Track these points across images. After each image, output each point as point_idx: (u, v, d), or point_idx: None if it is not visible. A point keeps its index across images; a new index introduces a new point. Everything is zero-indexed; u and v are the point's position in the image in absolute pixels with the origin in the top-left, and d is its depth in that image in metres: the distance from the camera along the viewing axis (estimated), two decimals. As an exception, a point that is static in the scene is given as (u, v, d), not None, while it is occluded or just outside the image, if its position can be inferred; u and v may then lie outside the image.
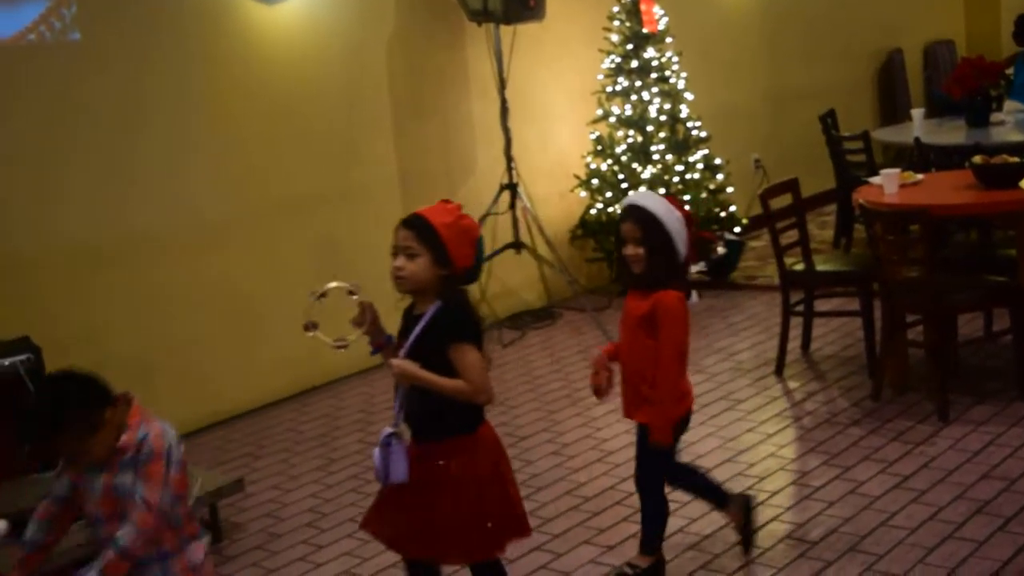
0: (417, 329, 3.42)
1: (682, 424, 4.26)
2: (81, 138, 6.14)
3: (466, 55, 8.16)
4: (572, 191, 8.85)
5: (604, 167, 8.78)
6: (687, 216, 4.07)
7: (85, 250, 6.10)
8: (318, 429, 6.63)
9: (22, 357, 5.13)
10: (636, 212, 4.01)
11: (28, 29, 5.99)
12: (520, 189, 7.93)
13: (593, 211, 8.75)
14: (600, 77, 8.87)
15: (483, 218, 7.80)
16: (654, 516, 4.32)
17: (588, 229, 8.86)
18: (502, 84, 7.89)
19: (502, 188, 7.95)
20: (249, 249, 6.96)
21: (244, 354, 6.83)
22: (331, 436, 6.50)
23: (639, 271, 4.02)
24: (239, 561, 4.99)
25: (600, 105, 8.87)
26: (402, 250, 3.41)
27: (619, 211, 4.23)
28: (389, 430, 3.47)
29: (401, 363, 3.38)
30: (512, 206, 7.99)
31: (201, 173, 6.72)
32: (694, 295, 4.25)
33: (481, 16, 7.65)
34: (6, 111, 5.87)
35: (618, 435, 5.93)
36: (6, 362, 5.02)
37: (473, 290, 7.90)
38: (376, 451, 3.48)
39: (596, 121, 8.87)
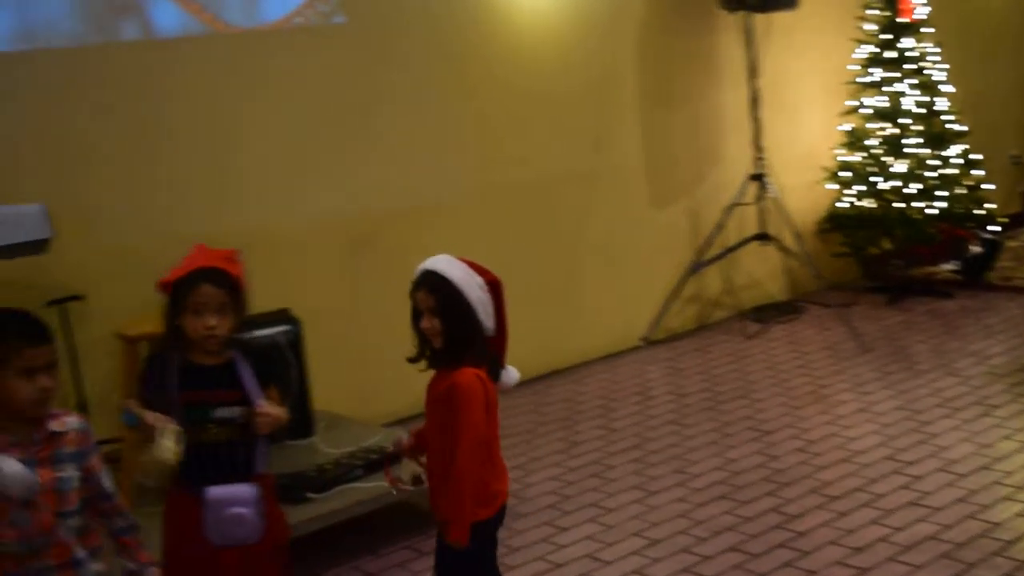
0: None
1: (491, 525, 3.59)
2: (332, 118, 6.37)
3: (716, 43, 8.09)
4: (820, 183, 8.68)
5: (855, 159, 8.56)
6: (494, 281, 3.50)
7: (337, 227, 6.29)
8: (559, 413, 6.70)
9: (283, 328, 5.36)
10: (430, 279, 3.39)
11: (296, 12, 6.22)
12: (768, 179, 7.80)
13: (842, 204, 8.55)
14: (853, 67, 8.65)
15: (729, 208, 7.76)
16: None
17: (836, 223, 8.68)
18: (753, 73, 7.79)
19: (749, 178, 7.84)
20: (495, 228, 7.08)
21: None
22: (572, 420, 6.56)
23: (438, 346, 3.43)
24: (484, 538, 5.07)
25: (852, 96, 8.66)
26: None
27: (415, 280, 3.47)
28: (251, 488, 3.45)
29: None
30: (759, 197, 7.86)
31: (454, 151, 6.89)
32: (512, 373, 3.64)
33: (734, 4, 7.59)
34: (270, 92, 6.13)
35: (865, 435, 5.81)
36: (268, 332, 5.22)
37: (716, 280, 8.03)
38: (240, 511, 3.41)
39: (848, 112, 8.66)
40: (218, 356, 3.46)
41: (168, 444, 3.18)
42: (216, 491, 3.37)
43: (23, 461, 2.98)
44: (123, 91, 5.65)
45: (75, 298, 5.13)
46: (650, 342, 7.92)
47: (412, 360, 3.50)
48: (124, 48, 5.72)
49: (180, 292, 3.40)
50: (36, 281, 5.01)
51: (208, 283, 3.37)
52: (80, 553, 3.11)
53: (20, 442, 3.02)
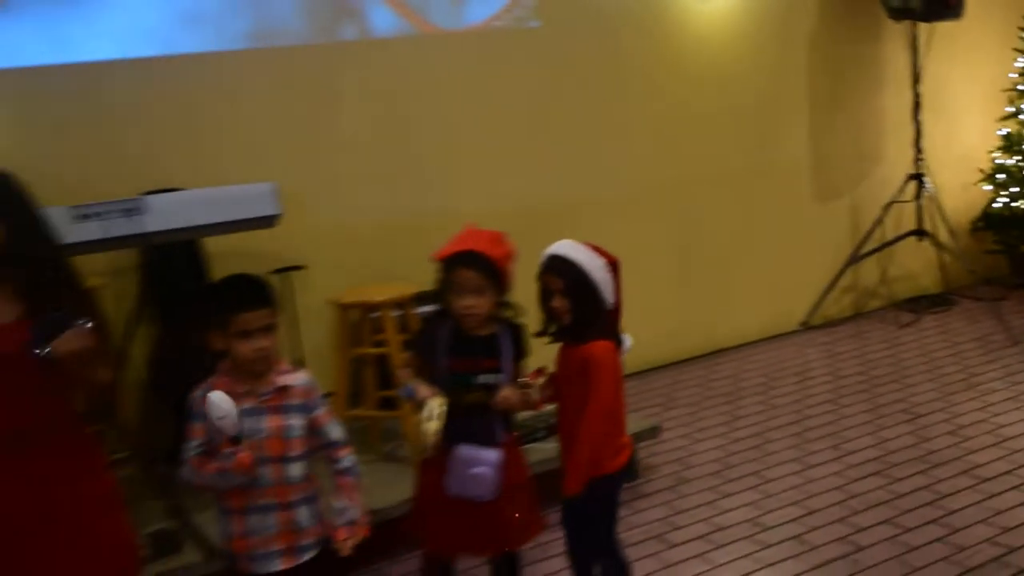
0: None
1: (619, 479, 3.69)
2: (525, 113, 6.46)
3: (881, 51, 7.92)
4: (975, 184, 8.44)
5: (1011, 163, 8.30)
6: (613, 261, 3.54)
7: (529, 212, 6.33)
8: (724, 388, 6.68)
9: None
10: (557, 263, 3.48)
11: (495, 16, 6.31)
12: (926, 179, 7.62)
13: (997, 204, 8.31)
14: (1013, 76, 8.39)
15: (888, 205, 7.63)
16: (618, 571, 3.79)
17: (990, 222, 8.45)
18: (916, 78, 7.61)
19: (908, 178, 7.67)
20: (670, 218, 7.12)
21: (660, 316, 6.92)
22: (736, 395, 6.53)
23: (566, 322, 3.52)
24: (652, 499, 5.10)
25: (1011, 103, 8.39)
26: None
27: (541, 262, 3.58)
28: (496, 452, 3.45)
29: None
30: (917, 195, 7.69)
31: (634, 147, 6.90)
32: (627, 340, 3.62)
33: (901, 14, 7.42)
34: (470, 89, 6.24)
35: (1015, 422, 5.67)
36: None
37: (873, 271, 7.91)
38: (481, 471, 3.45)
39: (1006, 118, 8.41)
40: (484, 327, 3.49)
41: (433, 423, 3.30)
42: (464, 450, 3.44)
43: (253, 409, 3.11)
44: (342, 85, 5.83)
45: (297, 268, 5.30)
46: (808, 327, 7.83)
47: (538, 335, 3.57)
48: (344, 47, 5.88)
49: (445, 272, 3.47)
50: (266, 252, 5.20)
51: (465, 267, 3.40)
52: (298, 496, 3.19)
53: (251, 392, 3.13)
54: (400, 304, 5.05)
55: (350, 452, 3.30)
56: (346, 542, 3.25)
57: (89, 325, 2.83)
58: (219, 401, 3.03)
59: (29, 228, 3.00)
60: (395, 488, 4.65)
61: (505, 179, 6.31)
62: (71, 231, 4.01)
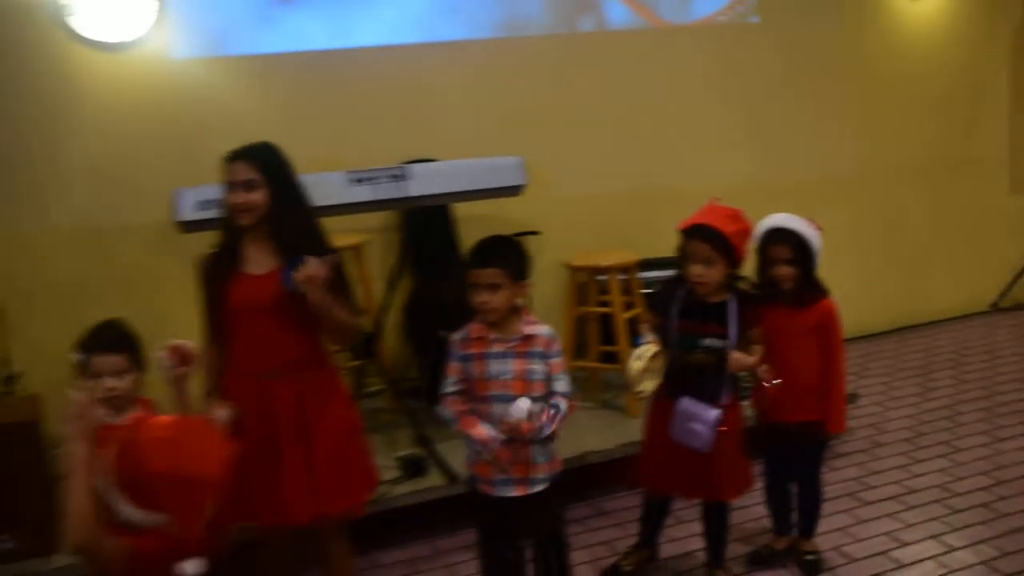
0: None
1: None
2: (743, 101, 6.34)
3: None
4: None
5: None
6: (819, 229, 3.66)
7: (749, 191, 6.21)
8: (916, 361, 6.45)
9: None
10: (785, 235, 3.60)
11: (720, 12, 6.23)
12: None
13: None
14: None
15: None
16: (819, 502, 3.97)
17: None
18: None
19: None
20: (876, 200, 6.93)
21: (857, 291, 6.72)
22: (927, 368, 6.30)
23: (789, 287, 3.62)
24: (848, 459, 4.98)
25: None
26: None
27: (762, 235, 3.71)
28: (716, 412, 3.42)
29: None
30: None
31: (847, 134, 6.74)
32: None
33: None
34: (696, 78, 6.17)
35: None
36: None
37: None
38: (697, 427, 3.43)
39: None
40: (715, 295, 3.47)
41: (638, 363, 3.36)
42: (686, 403, 3.46)
43: (502, 352, 3.14)
44: (579, 72, 5.86)
45: (534, 233, 5.35)
46: (998, 309, 7.49)
47: (758, 301, 3.57)
48: (583, 38, 5.90)
49: (683, 241, 3.47)
50: (508, 217, 5.27)
51: (699, 239, 3.40)
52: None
53: (501, 338, 3.16)
54: (624, 269, 5.05)
55: (566, 403, 3.24)
56: (541, 476, 3.22)
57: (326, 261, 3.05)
58: (523, 405, 3.08)
59: (288, 193, 3.18)
60: (611, 432, 4.71)
61: (723, 160, 6.21)
62: (347, 193, 4.17)
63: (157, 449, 2.17)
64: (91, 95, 4.89)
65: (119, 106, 4.93)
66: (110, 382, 2.96)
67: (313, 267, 3.01)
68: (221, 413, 3.08)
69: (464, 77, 5.58)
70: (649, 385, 3.42)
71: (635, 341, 3.53)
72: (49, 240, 4.91)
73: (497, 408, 3.11)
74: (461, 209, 5.33)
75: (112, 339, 3.02)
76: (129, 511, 2.17)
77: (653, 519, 3.91)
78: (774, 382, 3.55)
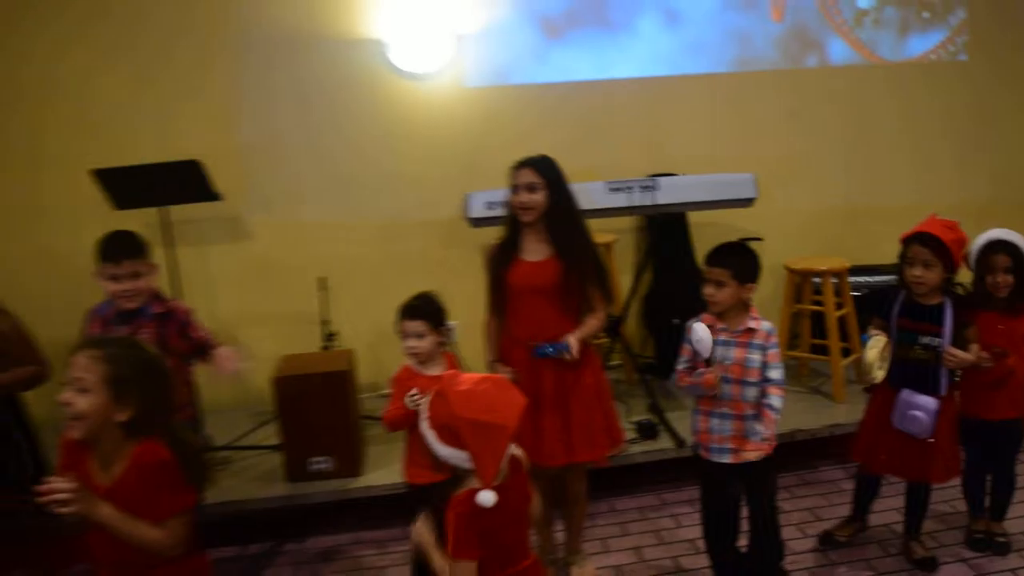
0: None
1: None
2: (952, 130, 6.11)
3: None
4: None
5: None
6: None
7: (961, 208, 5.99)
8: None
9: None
10: (1006, 246, 3.51)
11: (931, 51, 6.03)
12: None
13: None
14: None
15: None
16: (1013, 489, 3.85)
17: None
18: None
19: None
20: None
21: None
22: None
23: (1004, 295, 3.52)
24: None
25: None
26: None
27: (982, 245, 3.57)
28: (935, 402, 3.40)
29: None
30: None
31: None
32: None
33: None
34: (907, 108, 6.00)
35: None
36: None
37: None
38: (919, 414, 3.42)
39: None
40: (931, 298, 3.44)
41: (872, 351, 3.42)
42: (907, 394, 3.47)
43: (727, 341, 3.19)
44: (803, 101, 5.82)
45: (757, 239, 5.37)
46: None
47: (973, 307, 3.51)
48: (808, 72, 5.85)
49: (904, 248, 3.46)
50: (733, 224, 5.34)
51: (919, 244, 3.39)
52: (749, 412, 3.20)
53: (727, 328, 3.21)
54: (837, 274, 5.02)
55: (779, 393, 3.22)
56: (751, 453, 3.22)
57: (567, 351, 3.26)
58: (699, 330, 3.17)
59: (562, 197, 3.37)
60: (817, 415, 4.69)
61: (934, 181, 6.02)
62: (605, 199, 4.36)
63: (466, 399, 2.21)
64: (402, 115, 5.27)
65: (422, 124, 5.29)
66: (412, 342, 3.24)
67: (566, 349, 3.26)
68: (507, 374, 3.34)
69: (703, 105, 5.65)
70: (880, 373, 3.46)
71: (863, 338, 3.55)
72: (363, 230, 5.33)
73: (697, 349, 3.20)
74: (696, 216, 5.42)
75: (415, 308, 3.26)
76: (439, 448, 2.25)
77: (866, 495, 3.89)
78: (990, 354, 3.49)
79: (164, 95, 5.04)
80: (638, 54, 5.53)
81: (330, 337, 4.96)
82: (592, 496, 3.77)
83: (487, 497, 2.20)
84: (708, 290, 3.18)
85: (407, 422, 3.17)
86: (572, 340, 3.29)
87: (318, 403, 4.17)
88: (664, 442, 4.46)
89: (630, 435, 4.43)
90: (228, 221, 5.18)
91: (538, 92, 5.40)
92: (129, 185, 4.29)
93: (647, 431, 4.50)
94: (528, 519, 2.46)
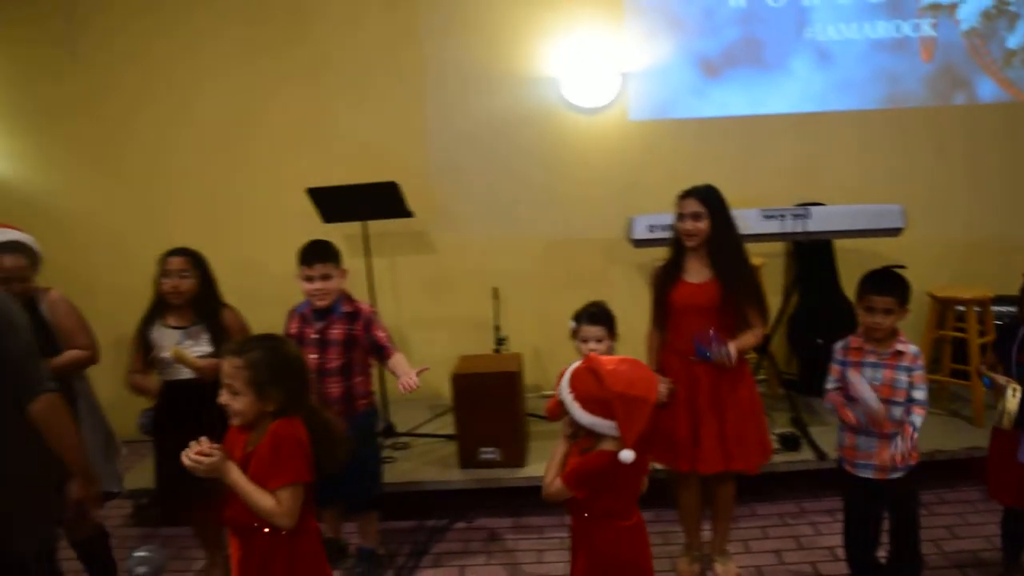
0: None
1: None
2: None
3: None
4: None
5: None
6: None
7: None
8: None
9: None
10: None
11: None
12: None
13: None
14: None
15: None
16: None
17: None
18: None
19: None
20: None
21: None
22: None
23: None
24: None
25: None
26: None
27: None
28: None
29: None
30: None
31: None
32: None
33: None
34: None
35: None
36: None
37: None
38: None
39: None
40: None
41: (1011, 402, 3.08)
42: None
43: (876, 363, 3.04)
44: (950, 137, 5.49)
45: (901, 267, 5.11)
46: None
47: None
48: (956, 110, 5.52)
49: None
50: (877, 252, 5.09)
51: None
52: (894, 430, 3.01)
53: (875, 351, 3.07)
54: (980, 302, 4.72)
55: (921, 412, 3.05)
56: (894, 470, 3.08)
57: (728, 354, 3.16)
58: (862, 390, 2.99)
59: (724, 224, 3.29)
60: (957, 437, 4.43)
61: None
62: (758, 225, 4.24)
63: (615, 376, 2.34)
64: (571, 144, 5.29)
65: (588, 153, 5.29)
66: (592, 345, 3.22)
67: (726, 354, 3.16)
68: (662, 387, 3.24)
69: (853, 139, 5.42)
70: (1009, 421, 3.12)
71: (984, 381, 3.25)
72: (532, 246, 5.38)
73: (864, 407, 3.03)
74: (840, 242, 5.21)
75: (595, 315, 3.27)
76: (583, 417, 2.39)
77: (1016, 540, 3.48)
78: None
79: (362, 122, 5.23)
80: (791, 91, 5.36)
81: (500, 341, 5.00)
82: (736, 500, 3.66)
83: (628, 455, 2.32)
84: (876, 318, 3.04)
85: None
86: (732, 348, 3.20)
87: (490, 399, 4.21)
88: (805, 454, 4.29)
89: (774, 446, 4.28)
90: (415, 235, 5.32)
91: (696, 126, 5.31)
92: (336, 202, 4.44)
93: (790, 443, 4.34)
94: (639, 488, 2.57)
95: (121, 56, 5.31)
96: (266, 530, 2.35)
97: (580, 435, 2.47)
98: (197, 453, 2.27)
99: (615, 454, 2.36)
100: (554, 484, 2.47)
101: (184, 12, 5.28)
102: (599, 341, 3.23)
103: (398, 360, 3.46)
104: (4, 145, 5.46)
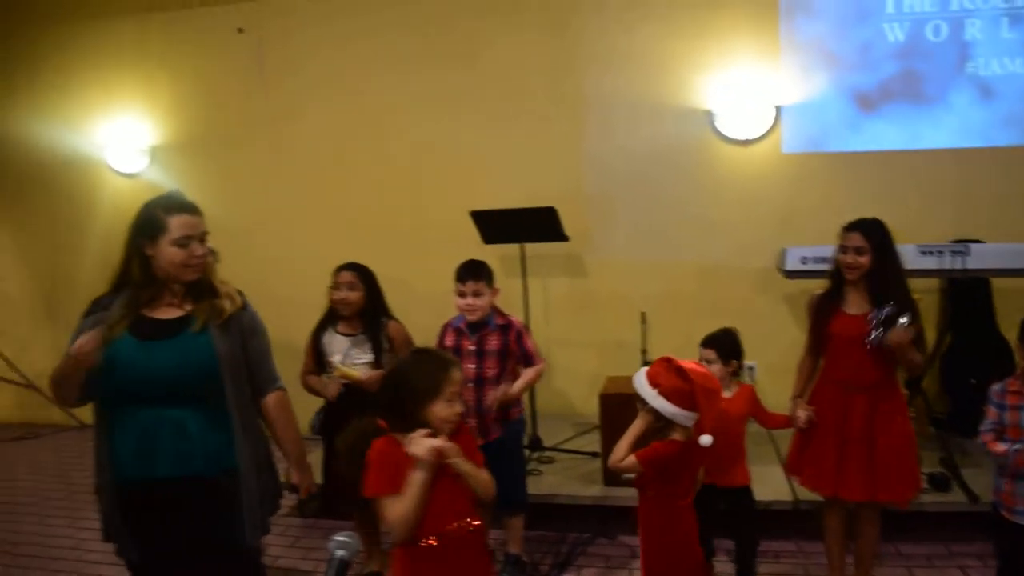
0: None
1: None
2: None
3: None
4: None
5: None
6: None
7: None
8: None
9: None
10: None
11: None
12: None
13: None
14: None
15: None
16: None
17: None
18: None
19: None
20: None
21: None
22: None
23: None
24: None
25: None
26: None
27: None
28: None
29: None
30: None
31: None
32: None
33: None
34: None
35: None
36: None
37: None
38: None
39: None
40: None
41: None
42: None
43: None
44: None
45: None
46: None
47: None
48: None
49: None
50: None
51: None
52: None
53: None
54: None
55: None
56: None
57: (909, 324, 3.06)
58: None
59: (887, 258, 3.24)
60: None
61: None
62: (915, 261, 4.15)
63: (693, 372, 2.62)
64: (723, 175, 5.30)
65: (741, 184, 5.29)
66: (713, 368, 3.34)
67: (900, 334, 3.09)
68: (801, 414, 3.30)
69: (1015, 175, 5.19)
70: None
71: None
72: (682, 271, 5.41)
73: None
74: (998, 281, 5.00)
75: (711, 338, 3.50)
76: (667, 407, 2.62)
77: None
78: None
79: (520, 145, 5.42)
80: (950, 126, 5.21)
81: (647, 364, 5.03)
82: (881, 537, 3.57)
83: (707, 439, 2.59)
84: None
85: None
86: (906, 325, 3.11)
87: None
88: (956, 495, 4.13)
89: (922, 485, 4.14)
90: (568, 258, 5.44)
91: (850, 159, 5.23)
92: (496, 224, 4.62)
93: (939, 483, 4.19)
94: (696, 473, 2.78)
95: (305, 84, 5.73)
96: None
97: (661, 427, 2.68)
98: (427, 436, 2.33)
99: (685, 443, 2.65)
100: (628, 460, 2.67)
101: (359, 44, 5.65)
102: (708, 363, 3.35)
103: (532, 370, 3.66)
104: (197, 165, 5.95)
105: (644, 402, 2.69)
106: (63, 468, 5.79)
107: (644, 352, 5.11)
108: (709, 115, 5.23)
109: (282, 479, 2.81)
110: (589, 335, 5.46)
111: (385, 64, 5.64)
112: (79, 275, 6.26)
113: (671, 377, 2.64)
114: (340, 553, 1.85)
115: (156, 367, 2.45)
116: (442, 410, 2.35)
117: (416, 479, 2.29)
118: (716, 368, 3.37)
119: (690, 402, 2.60)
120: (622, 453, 2.71)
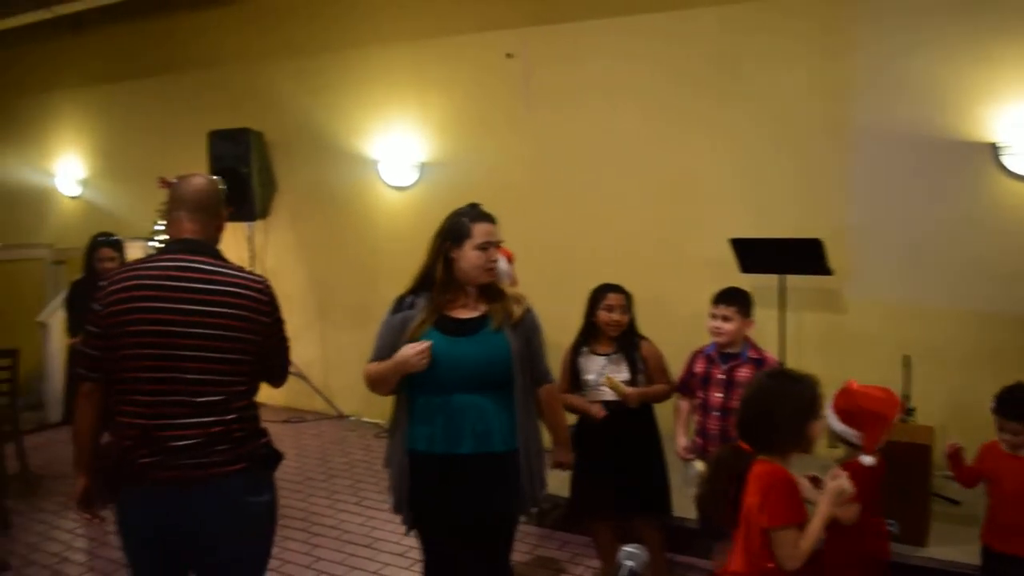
0: None
1: None
2: None
3: None
4: None
5: None
6: None
7: None
8: None
9: None
10: None
11: None
12: None
13: None
14: None
15: None
16: None
17: None
18: None
19: None
20: None
21: None
22: None
23: None
24: None
25: None
26: None
27: None
28: None
29: None
30: None
31: None
32: None
33: None
34: None
35: None
36: None
37: None
38: None
39: None
40: None
41: None
42: None
43: None
44: None
45: None
46: None
47: None
48: None
49: None
50: None
51: None
52: None
53: None
54: None
55: None
56: None
57: None
58: None
59: None
60: None
61: None
62: None
63: (864, 396, 2.84)
64: (1004, 214, 4.79)
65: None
66: (1007, 436, 3.19)
67: None
68: None
69: None
70: None
71: None
72: (952, 315, 4.93)
73: None
74: None
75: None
76: (836, 424, 2.86)
77: None
78: None
79: (783, 170, 5.19)
80: None
81: (909, 412, 4.66)
82: None
83: (869, 459, 2.75)
84: None
85: (975, 480, 3.32)
86: None
87: (897, 469, 3.91)
88: None
89: None
90: (826, 293, 5.15)
91: None
92: (757, 253, 4.45)
93: None
94: (877, 492, 2.88)
95: (566, 109, 5.83)
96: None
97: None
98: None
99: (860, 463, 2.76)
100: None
101: (620, 69, 5.67)
102: (1015, 435, 3.20)
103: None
104: (460, 182, 6.21)
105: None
106: (324, 452, 6.21)
107: (907, 399, 4.72)
108: (994, 149, 4.76)
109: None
110: (842, 375, 5.10)
111: (645, 89, 5.61)
112: (344, 278, 6.73)
113: (844, 399, 2.86)
114: (629, 563, 1.90)
115: (463, 359, 2.78)
116: (818, 428, 2.53)
117: (827, 516, 2.50)
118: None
119: (855, 421, 2.80)
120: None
